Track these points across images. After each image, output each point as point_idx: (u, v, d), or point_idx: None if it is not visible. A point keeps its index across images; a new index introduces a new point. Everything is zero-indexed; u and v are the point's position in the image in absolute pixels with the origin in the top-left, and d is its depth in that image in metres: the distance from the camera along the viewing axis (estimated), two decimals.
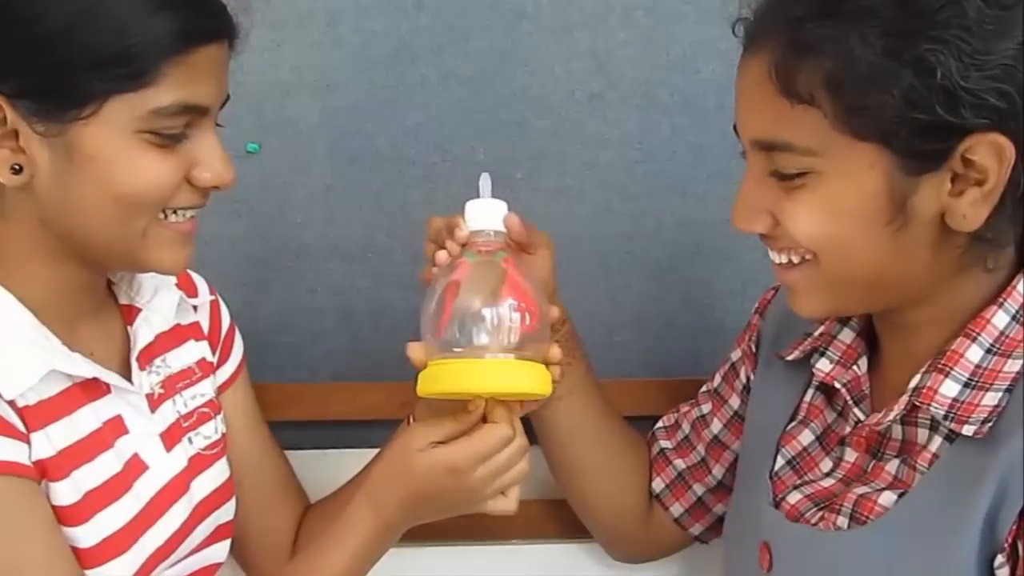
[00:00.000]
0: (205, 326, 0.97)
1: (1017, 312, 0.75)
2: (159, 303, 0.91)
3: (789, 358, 0.89)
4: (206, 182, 0.79)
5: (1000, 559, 0.69)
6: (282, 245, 1.17)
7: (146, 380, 0.88)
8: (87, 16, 0.72)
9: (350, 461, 1.02)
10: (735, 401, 1.00)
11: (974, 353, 0.75)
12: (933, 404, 0.74)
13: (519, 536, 1.16)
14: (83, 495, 0.78)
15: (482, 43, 1.14)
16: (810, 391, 0.89)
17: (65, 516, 0.77)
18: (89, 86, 0.73)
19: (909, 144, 0.69)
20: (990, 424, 0.72)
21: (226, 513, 0.93)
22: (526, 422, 0.87)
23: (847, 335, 0.86)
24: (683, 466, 1.03)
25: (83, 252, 0.79)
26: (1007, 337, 0.75)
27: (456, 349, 0.80)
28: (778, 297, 0.98)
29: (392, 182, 1.16)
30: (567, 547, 1.16)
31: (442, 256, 0.85)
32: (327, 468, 1.07)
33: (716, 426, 1.01)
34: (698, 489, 1.02)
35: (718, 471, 1.01)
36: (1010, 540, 0.69)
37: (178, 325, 0.93)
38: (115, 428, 0.83)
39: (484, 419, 0.82)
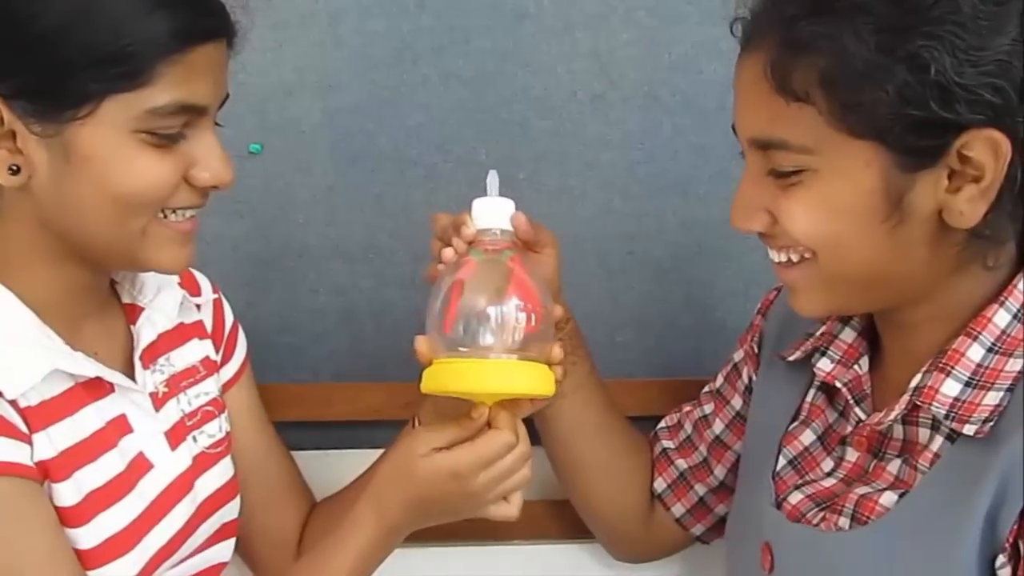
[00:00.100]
0: (208, 325, 0.97)
1: (1018, 311, 0.74)
2: (162, 302, 0.91)
3: (791, 358, 0.89)
4: (204, 182, 0.79)
5: (1001, 559, 0.69)
6: (284, 245, 1.17)
7: (150, 379, 0.88)
8: (83, 16, 0.71)
9: (352, 461, 1.02)
10: (737, 401, 1.00)
11: (975, 352, 0.74)
12: (934, 403, 0.74)
13: (521, 536, 1.16)
14: (85, 496, 0.78)
15: (484, 43, 1.14)
16: (811, 391, 0.88)
17: (67, 517, 0.77)
18: (85, 86, 0.72)
19: (904, 141, 0.69)
20: (991, 423, 0.72)
21: (230, 512, 0.93)
22: (528, 420, 0.87)
23: (848, 335, 0.86)
24: (685, 466, 1.02)
25: (83, 252, 0.79)
26: (1008, 336, 0.74)
27: (461, 348, 0.79)
28: (780, 297, 0.97)
29: (394, 182, 1.16)
30: (569, 547, 1.16)
31: (448, 254, 0.85)
32: (329, 468, 1.07)
33: (718, 426, 1.01)
34: (700, 489, 1.02)
35: (720, 471, 1.01)
36: (1011, 540, 0.69)
37: (181, 324, 0.93)
38: (119, 427, 0.83)
39: (488, 424, 0.82)
